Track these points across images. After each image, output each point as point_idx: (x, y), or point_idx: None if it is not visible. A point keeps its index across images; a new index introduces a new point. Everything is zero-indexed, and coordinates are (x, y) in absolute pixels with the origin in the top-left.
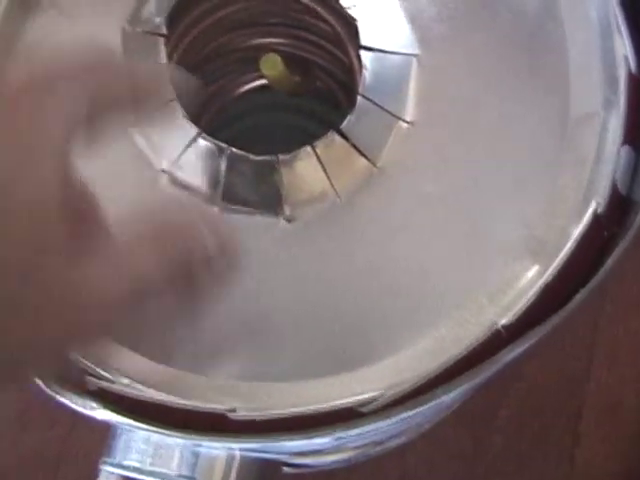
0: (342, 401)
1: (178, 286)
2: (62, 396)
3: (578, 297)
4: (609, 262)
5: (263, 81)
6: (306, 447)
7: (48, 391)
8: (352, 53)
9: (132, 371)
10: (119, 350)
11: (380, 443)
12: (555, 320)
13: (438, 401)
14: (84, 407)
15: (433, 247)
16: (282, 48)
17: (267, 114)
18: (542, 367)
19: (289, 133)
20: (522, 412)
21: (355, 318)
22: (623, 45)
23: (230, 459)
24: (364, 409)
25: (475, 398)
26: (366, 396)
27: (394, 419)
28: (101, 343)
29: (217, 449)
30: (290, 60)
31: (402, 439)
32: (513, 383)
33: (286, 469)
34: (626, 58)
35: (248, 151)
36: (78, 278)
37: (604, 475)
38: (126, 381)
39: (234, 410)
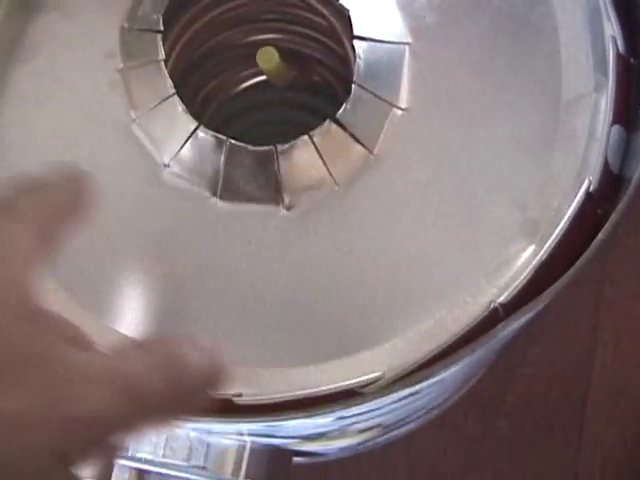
0: (344, 383)
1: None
2: None
3: (570, 272)
4: (600, 236)
5: (262, 77)
6: (311, 429)
7: None
8: (347, 44)
9: None
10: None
11: (388, 428)
12: (548, 295)
13: (437, 378)
14: None
15: (430, 231)
16: (279, 43)
17: (268, 110)
18: (546, 352)
19: (290, 128)
20: (529, 397)
21: (355, 302)
22: (611, 27)
23: (241, 449)
24: (365, 390)
25: (482, 384)
26: (367, 377)
27: (392, 397)
28: None
29: (227, 438)
30: (287, 54)
31: (411, 426)
32: (518, 368)
33: (297, 459)
34: (614, 39)
35: (250, 145)
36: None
37: (611, 457)
38: None
39: (240, 395)
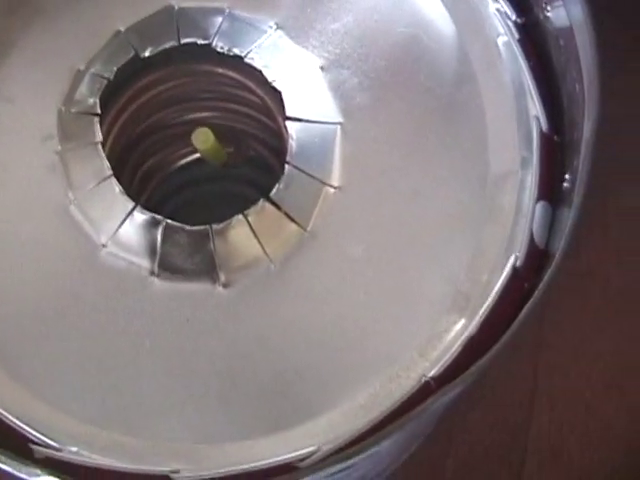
0: (280, 458)
1: None
2: (6, 464)
3: (497, 346)
4: (524, 312)
5: (198, 155)
6: None
7: None
8: (280, 121)
9: (77, 437)
10: (63, 417)
11: None
12: (477, 369)
13: (370, 452)
14: (28, 475)
15: (364, 306)
16: (214, 121)
17: (205, 185)
18: (485, 417)
19: (228, 201)
20: (468, 461)
21: (291, 377)
22: (534, 107)
23: None
24: (301, 464)
25: (424, 450)
26: (303, 451)
27: (327, 471)
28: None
29: None
30: (222, 131)
31: None
32: (459, 434)
33: None
34: (537, 119)
35: (188, 222)
36: None
37: None
38: (74, 449)
39: (177, 472)
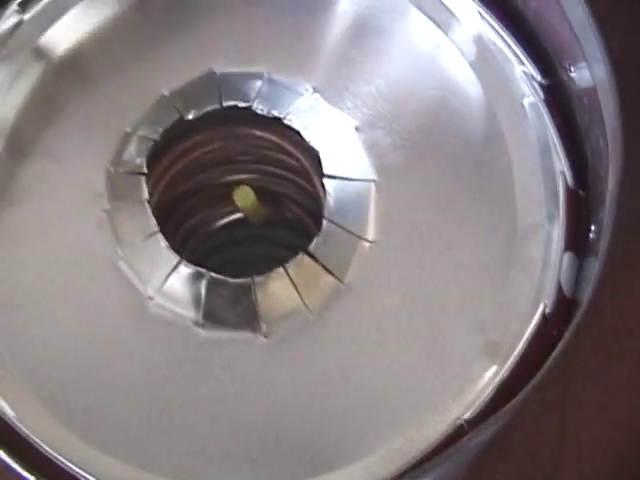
0: None
1: None
2: None
3: (528, 388)
4: (553, 357)
5: (238, 215)
6: None
7: None
8: (317, 182)
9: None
10: (113, 461)
11: None
12: (509, 410)
13: None
14: None
15: (399, 354)
16: (253, 182)
17: (244, 245)
18: (514, 470)
19: (266, 261)
20: None
21: (329, 423)
22: (560, 162)
23: None
24: None
25: None
26: None
27: None
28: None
29: None
30: (261, 193)
31: None
32: None
33: None
34: (563, 174)
35: (230, 276)
36: None
37: None
38: None
39: None
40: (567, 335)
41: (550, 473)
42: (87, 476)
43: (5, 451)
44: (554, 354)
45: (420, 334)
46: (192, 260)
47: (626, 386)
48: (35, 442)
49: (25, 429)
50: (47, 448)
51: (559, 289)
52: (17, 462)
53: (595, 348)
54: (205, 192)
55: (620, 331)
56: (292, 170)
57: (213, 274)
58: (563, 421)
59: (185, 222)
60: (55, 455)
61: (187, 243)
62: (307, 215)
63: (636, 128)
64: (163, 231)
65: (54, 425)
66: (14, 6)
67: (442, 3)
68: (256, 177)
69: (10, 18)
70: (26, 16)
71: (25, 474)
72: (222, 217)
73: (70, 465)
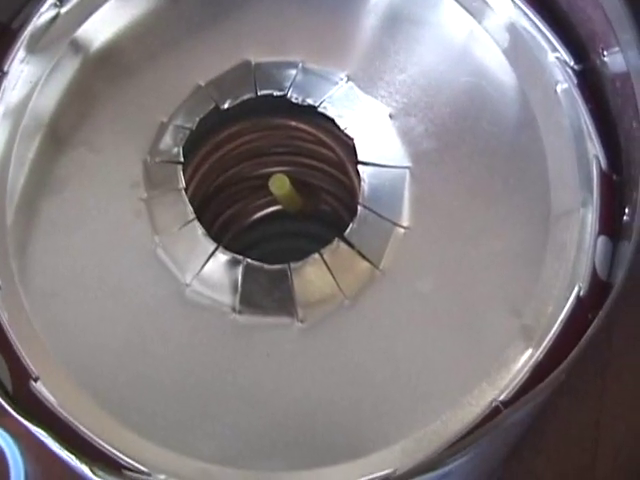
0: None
1: None
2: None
3: (561, 368)
4: (586, 337)
5: (275, 207)
6: None
7: (93, 477)
8: (351, 172)
9: (165, 465)
10: (151, 446)
11: None
12: (543, 389)
13: (445, 469)
14: None
15: (434, 339)
16: (290, 174)
17: (280, 240)
18: (550, 464)
19: (302, 255)
20: None
21: (366, 407)
22: (594, 147)
23: None
24: None
25: None
26: (379, 474)
27: None
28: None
29: None
30: (296, 184)
31: None
32: (525, 477)
33: None
34: (597, 158)
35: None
36: None
37: None
38: (162, 477)
39: None
40: (600, 316)
41: (586, 467)
42: (127, 459)
43: (50, 435)
44: (586, 335)
45: (455, 319)
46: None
47: None
48: (76, 427)
49: (66, 414)
50: (88, 432)
51: (594, 272)
52: (63, 446)
53: (628, 346)
54: (241, 183)
55: None
56: (327, 161)
57: (250, 260)
58: (598, 416)
59: (222, 213)
60: (95, 439)
61: (224, 235)
62: (343, 207)
63: None
64: (200, 221)
65: (94, 410)
66: (51, 0)
67: None
68: (292, 169)
69: (47, 12)
70: (63, 9)
71: (68, 456)
72: (258, 210)
73: (110, 449)
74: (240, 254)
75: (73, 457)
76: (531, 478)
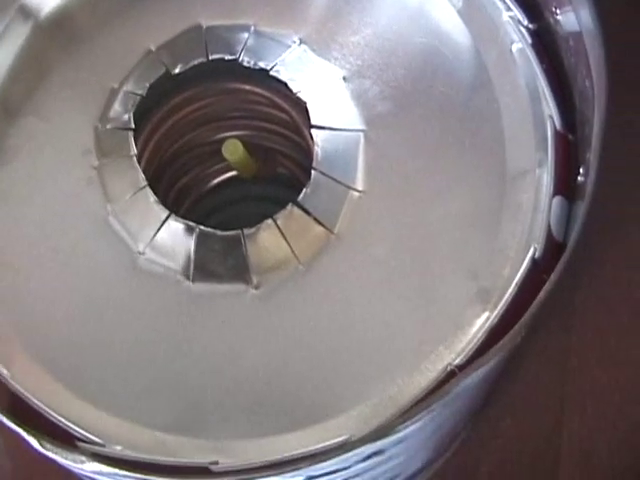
0: (313, 447)
1: None
2: (53, 453)
3: (515, 329)
4: (540, 297)
5: (231, 173)
6: None
7: (41, 449)
8: (306, 133)
9: (120, 436)
10: (105, 416)
11: None
12: (495, 352)
13: (398, 435)
14: (74, 461)
15: (390, 303)
16: (244, 139)
17: (238, 204)
18: (517, 424)
19: (260, 219)
20: (502, 466)
21: (322, 373)
22: (548, 107)
23: None
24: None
25: (455, 457)
26: (335, 441)
27: (357, 453)
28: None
29: None
30: (252, 148)
31: None
32: (491, 441)
33: None
34: (551, 118)
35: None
36: None
37: None
38: (118, 447)
39: (216, 462)
40: (551, 278)
41: (553, 425)
42: (81, 431)
43: None
44: (539, 297)
45: (411, 282)
46: (186, 219)
47: (625, 338)
48: (28, 399)
49: (18, 386)
50: (40, 404)
51: (549, 233)
52: (10, 419)
53: (593, 303)
54: (195, 150)
55: (618, 286)
56: (282, 124)
57: (202, 227)
58: (564, 374)
59: (177, 181)
60: (48, 411)
61: (180, 203)
62: (299, 169)
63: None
64: (155, 190)
65: (47, 381)
66: None
67: None
68: (247, 133)
69: None
70: None
71: (19, 430)
72: (214, 176)
73: (64, 421)
74: (199, 222)
75: (21, 430)
76: (497, 438)
